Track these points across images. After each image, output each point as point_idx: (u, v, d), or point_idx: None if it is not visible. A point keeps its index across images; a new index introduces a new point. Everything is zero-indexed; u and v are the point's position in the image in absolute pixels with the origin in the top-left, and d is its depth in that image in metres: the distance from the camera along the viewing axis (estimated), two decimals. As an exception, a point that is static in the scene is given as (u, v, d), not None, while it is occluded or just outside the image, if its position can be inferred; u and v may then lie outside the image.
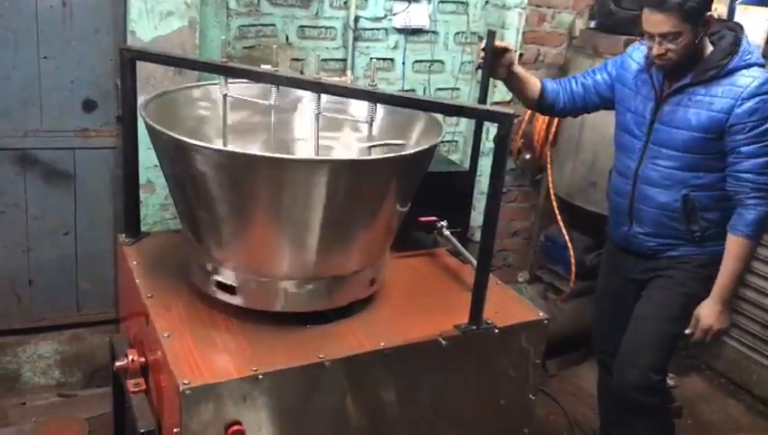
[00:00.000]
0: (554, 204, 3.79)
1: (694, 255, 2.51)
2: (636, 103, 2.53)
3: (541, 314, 2.21)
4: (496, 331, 2.07)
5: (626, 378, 2.59)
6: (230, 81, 2.17)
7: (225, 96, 2.18)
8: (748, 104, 2.29)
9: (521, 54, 3.67)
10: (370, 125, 2.00)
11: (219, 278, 1.99)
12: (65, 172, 3.06)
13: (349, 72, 3.33)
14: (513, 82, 2.65)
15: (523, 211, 4.17)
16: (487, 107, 2.18)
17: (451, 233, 2.52)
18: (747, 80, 2.31)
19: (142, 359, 2.02)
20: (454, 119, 3.73)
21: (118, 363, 2.04)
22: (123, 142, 2.36)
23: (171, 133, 1.81)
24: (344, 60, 3.39)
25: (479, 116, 2.36)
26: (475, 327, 2.03)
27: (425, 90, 3.63)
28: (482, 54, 2.51)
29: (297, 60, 3.30)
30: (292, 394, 1.83)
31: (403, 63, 3.54)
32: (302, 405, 1.86)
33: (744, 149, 2.32)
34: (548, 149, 3.77)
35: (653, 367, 2.56)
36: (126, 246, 2.36)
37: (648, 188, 2.51)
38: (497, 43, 2.50)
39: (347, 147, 2.38)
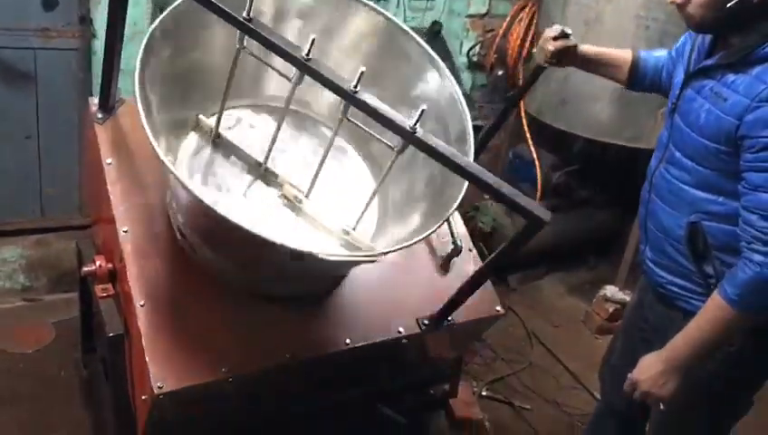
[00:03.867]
0: (524, 121, 3.80)
1: None
2: (675, 78, 1.91)
3: (498, 309, 2.19)
4: (455, 327, 2.07)
5: None
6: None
7: (238, 50, 1.70)
8: (763, 110, 1.59)
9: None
10: (398, 154, 1.67)
11: (197, 256, 1.90)
12: (26, 73, 2.96)
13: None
14: (587, 67, 2.17)
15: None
16: (525, 203, 1.56)
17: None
18: None
19: (110, 265, 2.02)
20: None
21: (85, 269, 2.03)
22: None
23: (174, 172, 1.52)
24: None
25: (511, 204, 1.59)
26: (436, 325, 2.04)
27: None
28: (552, 47, 2.06)
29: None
30: (254, 383, 1.88)
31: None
32: (258, 388, 1.92)
33: (751, 176, 1.63)
34: (521, 65, 3.74)
35: None
36: (99, 125, 2.04)
37: (656, 202, 1.93)
38: (551, 34, 2.06)
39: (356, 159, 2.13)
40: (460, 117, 1.88)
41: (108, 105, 2.05)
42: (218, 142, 1.91)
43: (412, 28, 2.02)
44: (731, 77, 1.69)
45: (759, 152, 1.61)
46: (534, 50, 2.14)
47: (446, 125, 1.90)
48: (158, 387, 1.69)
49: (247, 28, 1.58)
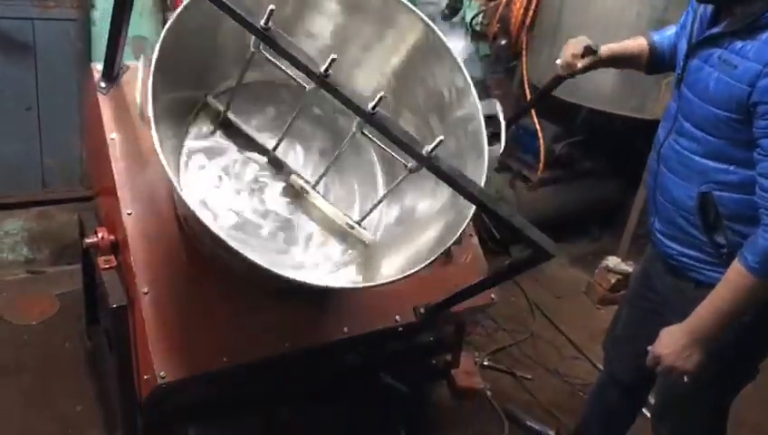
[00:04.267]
0: (527, 92, 3.76)
1: None
2: (679, 49, 1.92)
3: (493, 297, 2.20)
4: (449, 315, 2.08)
5: None
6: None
7: (252, 54, 1.66)
8: None
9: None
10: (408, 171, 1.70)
11: (198, 242, 1.87)
12: (24, 44, 2.94)
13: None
14: (609, 66, 2.20)
15: (495, 99, 4.13)
16: (534, 236, 1.51)
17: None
18: None
19: (112, 237, 2.01)
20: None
21: (87, 240, 2.03)
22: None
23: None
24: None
25: (520, 235, 1.55)
26: (431, 315, 2.03)
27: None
28: (581, 65, 2.11)
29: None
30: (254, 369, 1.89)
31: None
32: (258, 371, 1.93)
33: (765, 142, 1.61)
34: (525, 34, 3.70)
35: None
36: (102, 96, 1.97)
37: (665, 173, 1.90)
38: (577, 50, 2.09)
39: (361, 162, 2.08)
40: (478, 137, 1.85)
41: (112, 75, 1.98)
42: (227, 125, 1.88)
43: (414, 3, 1.97)
44: (739, 44, 1.66)
45: None
46: (558, 61, 2.16)
47: (461, 148, 1.88)
48: (161, 377, 1.71)
49: (265, 37, 1.50)
